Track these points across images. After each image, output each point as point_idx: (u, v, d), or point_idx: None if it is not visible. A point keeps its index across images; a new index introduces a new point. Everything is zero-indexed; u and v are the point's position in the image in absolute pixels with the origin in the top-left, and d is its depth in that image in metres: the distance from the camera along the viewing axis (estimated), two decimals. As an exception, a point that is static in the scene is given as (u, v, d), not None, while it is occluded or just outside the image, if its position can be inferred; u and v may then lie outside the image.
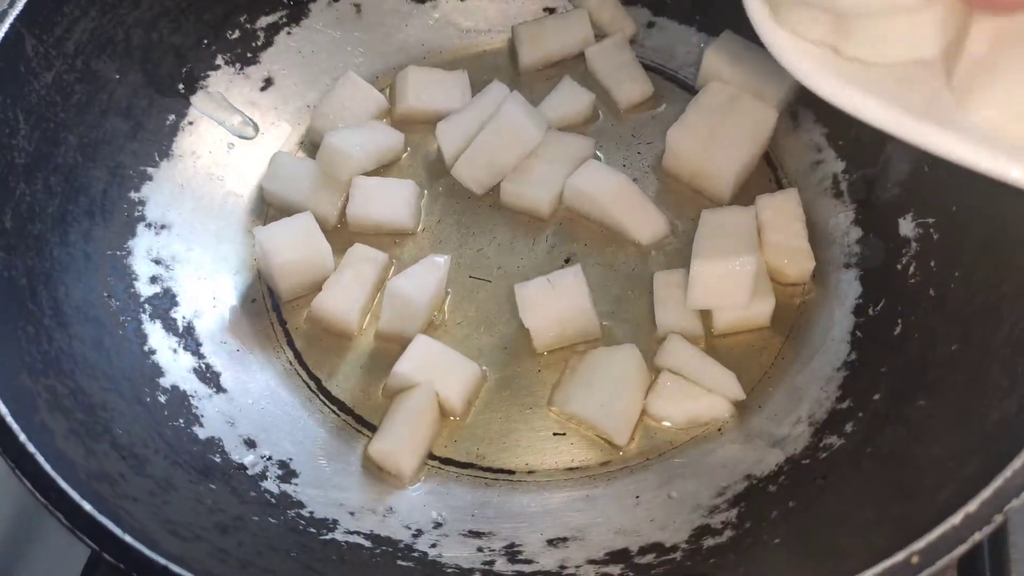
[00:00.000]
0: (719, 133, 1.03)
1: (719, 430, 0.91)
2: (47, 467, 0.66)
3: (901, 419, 0.82)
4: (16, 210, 0.86)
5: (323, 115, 1.08)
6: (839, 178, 1.05)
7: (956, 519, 0.62)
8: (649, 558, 0.79)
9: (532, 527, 0.85)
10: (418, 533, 0.84)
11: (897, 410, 0.83)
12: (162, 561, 0.64)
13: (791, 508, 0.79)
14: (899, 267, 0.95)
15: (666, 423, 0.91)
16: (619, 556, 0.80)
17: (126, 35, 0.99)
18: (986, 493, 0.63)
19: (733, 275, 0.93)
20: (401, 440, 0.88)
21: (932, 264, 0.92)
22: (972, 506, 0.62)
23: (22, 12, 0.88)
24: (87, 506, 0.64)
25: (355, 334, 0.97)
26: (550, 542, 0.83)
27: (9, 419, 0.67)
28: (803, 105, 1.08)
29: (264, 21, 1.12)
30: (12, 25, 0.87)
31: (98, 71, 0.97)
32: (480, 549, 0.83)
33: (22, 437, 0.67)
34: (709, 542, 0.79)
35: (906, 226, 0.96)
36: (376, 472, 0.89)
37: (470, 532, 0.85)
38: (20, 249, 0.85)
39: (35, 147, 0.90)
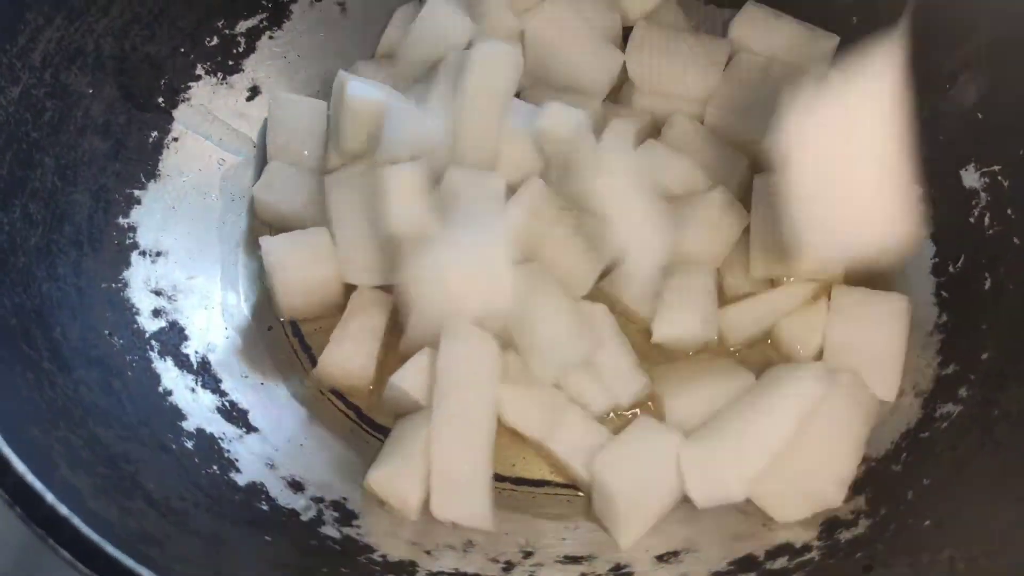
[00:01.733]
0: (758, 104, 0.96)
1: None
2: (88, 532, 0.53)
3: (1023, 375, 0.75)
4: (-5, 241, 0.73)
5: (278, 147, 0.96)
6: (884, 138, 0.98)
7: None
8: (782, 562, 0.70)
9: (635, 544, 0.74)
10: (508, 566, 0.73)
11: (1014, 367, 0.76)
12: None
13: (929, 486, 0.71)
14: (972, 220, 0.88)
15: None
16: (747, 564, 0.70)
17: (96, 45, 0.88)
18: None
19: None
20: (406, 466, 0.75)
21: (1009, 212, 0.86)
22: None
23: (-20, 19, 0.76)
24: (146, 574, 0.52)
25: (369, 390, 0.84)
26: (660, 558, 0.73)
27: (31, 478, 0.54)
28: (835, 68, 1.02)
29: (243, 25, 1.01)
30: (-30, 34, 0.75)
31: (69, 85, 0.85)
32: (584, 575, 0.72)
33: (49, 498, 0.54)
34: (845, 535, 0.70)
35: (969, 177, 0.90)
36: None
37: (566, 558, 0.74)
38: (5, 284, 0.72)
39: (8, 170, 0.77)
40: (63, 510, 0.54)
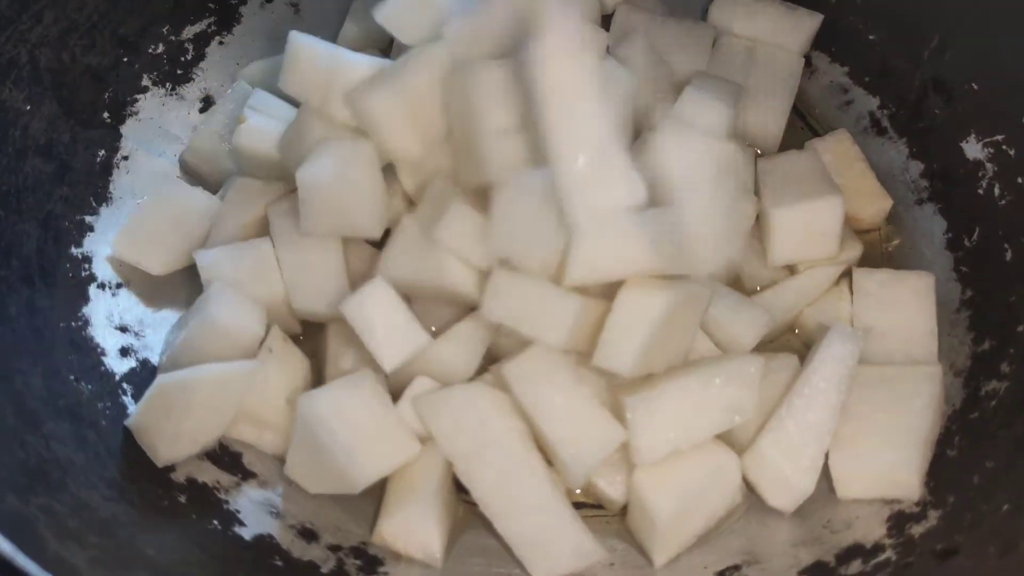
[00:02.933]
0: (749, 87, 0.93)
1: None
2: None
3: (1066, 344, 0.72)
4: (-65, 281, 0.63)
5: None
6: (877, 115, 0.96)
7: None
8: (856, 565, 0.65)
9: (689, 563, 0.69)
10: (559, 599, 0.66)
11: (1056, 336, 0.73)
12: None
13: (995, 468, 0.67)
14: (981, 191, 0.86)
15: None
16: (818, 572, 0.65)
17: (31, 56, 0.79)
18: None
19: (819, 220, 0.82)
20: (419, 511, 0.67)
21: (1020, 181, 0.83)
22: None
23: (-102, 31, 0.67)
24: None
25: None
26: (721, 575, 0.67)
27: (22, 560, 0.45)
28: (816, 48, 0.99)
29: (190, 31, 0.94)
30: None
31: (4, 101, 0.78)
32: (644, 602, 0.66)
33: (47, 582, 0.45)
34: (917, 530, 0.66)
35: (972, 149, 0.87)
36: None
37: (620, 584, 0.68)
38: (-48, 331, 0.62)
39: (-57, 200, 0.67)
40: (66, 595, 0.45)
